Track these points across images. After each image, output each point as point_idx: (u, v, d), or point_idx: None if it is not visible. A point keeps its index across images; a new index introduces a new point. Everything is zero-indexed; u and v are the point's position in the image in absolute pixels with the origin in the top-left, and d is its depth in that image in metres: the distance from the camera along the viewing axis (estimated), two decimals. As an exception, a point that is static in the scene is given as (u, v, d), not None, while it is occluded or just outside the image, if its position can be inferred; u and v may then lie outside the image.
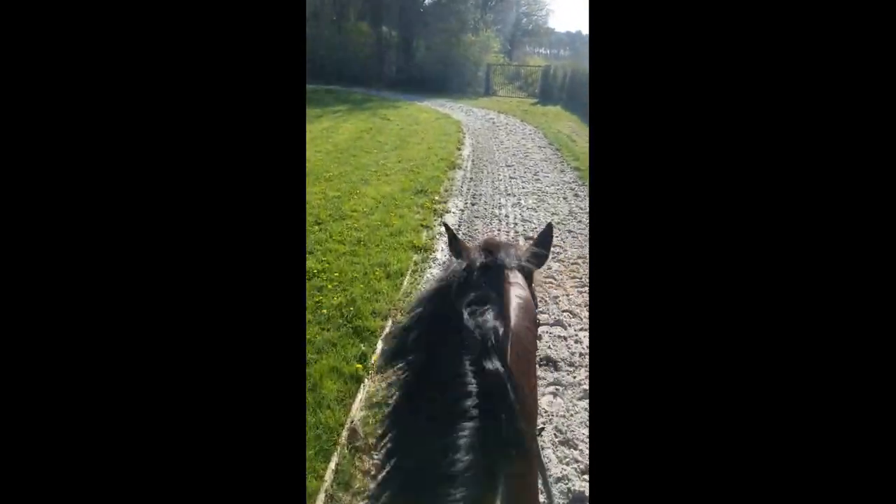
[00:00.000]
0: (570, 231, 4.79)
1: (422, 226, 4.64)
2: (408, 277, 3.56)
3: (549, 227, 1.13)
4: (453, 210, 5.26)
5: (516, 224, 4.93)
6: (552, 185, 6.37)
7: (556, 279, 3.78)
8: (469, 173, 6.88)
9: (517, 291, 0.81)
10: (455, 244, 1.06)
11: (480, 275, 0.78)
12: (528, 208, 5.42)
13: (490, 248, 0.89)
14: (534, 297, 0.93)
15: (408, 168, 6.74)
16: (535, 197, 5.84)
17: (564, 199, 5.81)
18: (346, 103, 13.13)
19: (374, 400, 2.28)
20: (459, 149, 8.40)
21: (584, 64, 14.54)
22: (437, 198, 5.53)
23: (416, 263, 3.82)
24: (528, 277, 0.94)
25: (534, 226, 4.90)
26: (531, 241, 1.09)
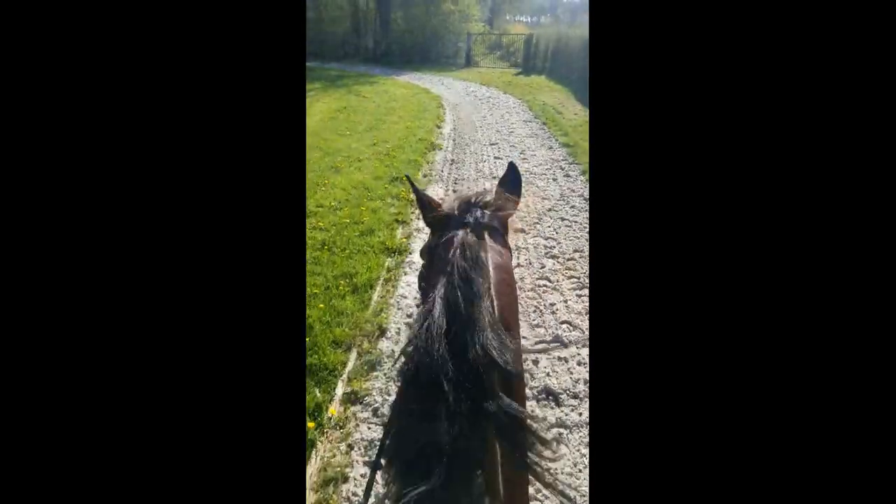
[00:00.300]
0: (562, 219, 4.26)
1: (396, 221, 4.09)
2: (378, 290, 3.04)
3: (512, 165, 1.14)
4: (433, 199, 4.71)
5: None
6: (540, 164, 5.83)
7: (550, 280, 3.28)
8: (450, 154, 6.30)
9: (495, 259, 0.80)
10: (423, 203, 1.01)
11: (461, 258, 0.76)
12: (515, 194, 4.89)
13: (461, 212, 0.88)
14: (508, 247, 0.92)
15: (383, 151, 6.14)
16: (523, 179, 5.30)
17: (554, 179, 5.28)
18: (320, 80, 12.32)
19: (329, 474, 1.78)
20: (439, 127, 7.79)
21: (566, 31, 13.89)
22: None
23: (388, 270, 3.29)
24: (503, 226, 0.93)
25: (523, 215, 4.38)
26: (497, 184, 1.08)
